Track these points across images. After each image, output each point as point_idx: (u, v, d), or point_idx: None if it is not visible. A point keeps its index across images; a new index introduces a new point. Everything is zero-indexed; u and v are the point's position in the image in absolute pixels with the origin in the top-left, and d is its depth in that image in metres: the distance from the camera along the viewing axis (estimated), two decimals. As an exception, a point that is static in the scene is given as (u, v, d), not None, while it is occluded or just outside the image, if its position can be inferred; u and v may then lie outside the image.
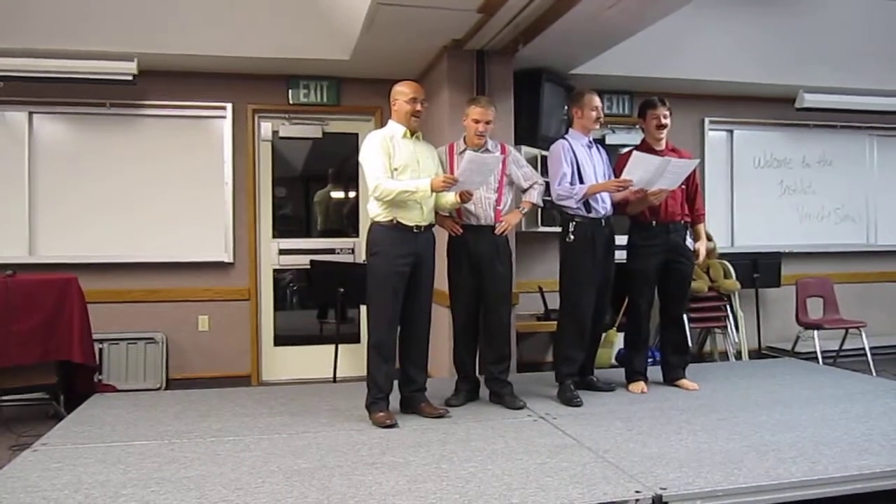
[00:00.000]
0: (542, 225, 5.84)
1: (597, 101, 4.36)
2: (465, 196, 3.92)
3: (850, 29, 6.53)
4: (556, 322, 4.54)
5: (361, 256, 5.66)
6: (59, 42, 5.13)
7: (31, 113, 5.64)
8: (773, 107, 6.97)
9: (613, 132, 6.65)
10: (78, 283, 4.69)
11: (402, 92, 3.92)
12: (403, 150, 3.88)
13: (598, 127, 4.44)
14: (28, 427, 4.44)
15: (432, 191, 3.80)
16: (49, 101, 5.62)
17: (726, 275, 6.13)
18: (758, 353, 6.53)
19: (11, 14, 5.07)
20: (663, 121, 4.42)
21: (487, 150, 4.10)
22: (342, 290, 5.26)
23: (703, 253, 4.59)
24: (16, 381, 4.51)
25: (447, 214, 4.17)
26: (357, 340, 6.15)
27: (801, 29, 6.41)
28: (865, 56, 6.63)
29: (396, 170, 3.83)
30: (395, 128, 3.94)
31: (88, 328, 4.73)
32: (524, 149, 5.49)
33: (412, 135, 3.95)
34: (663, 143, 4.48)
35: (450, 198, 3.97)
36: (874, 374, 5.78)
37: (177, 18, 5.27)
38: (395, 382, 3.99)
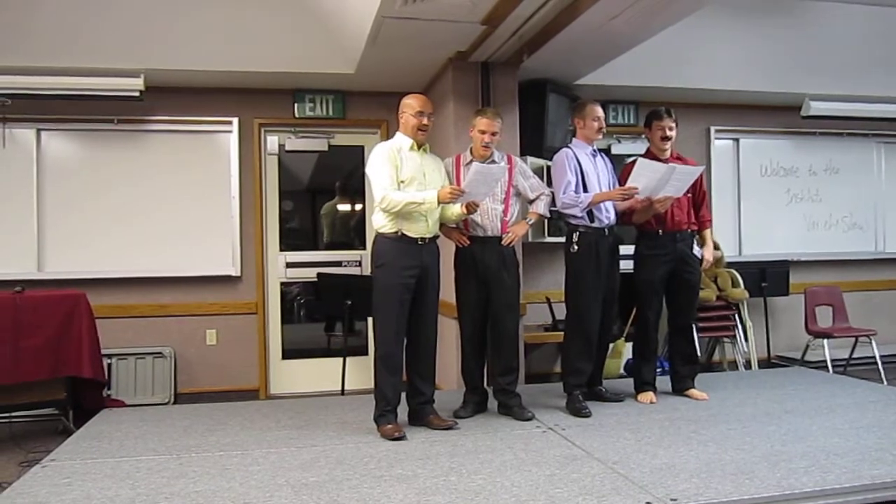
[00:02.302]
0: (550, 235, 5.84)
1: (598, 111, 4.37)
2: (471, 207, 3.92)
3: (856, 37, 6.53)
4: (563, 333, 4.52)
5: (368, 269, 5.67)
6: (66, 59, 5.16)
7: (38, 130, 5.68)
8: (779, 115, 6.97)
9: (619, 142, 6.65)
10: (86, 298, 4.71)
11: (409, 105, 3.94)
12: (410, 162, 3.89)
13: (600, 137, 4.44)
14: (37, 443, 4.45)
15: (439, 202, 3.81)
16: (57, 118, 5.65)
17: (734, 284, 6.11)
18: (767, 363, 6.50)
19: (19, 32, 5.11)
20: (668, 133, 4.42)
21: (494, 162, 4.11)
22: (349, 302, 5.27)
23: (708, 258, 4.57)
24: (25, 396, 4.52)
25: (454, 226, 4.18)
26: (364, 353, 6.14)
27: (807, 37, 6.41)
28: (871, 64, 6.63)
29: (403, 182, 3.84)
30: (402, 140, 3.96)
31: (97, 343, 4.74)
32: (530, 159, 5.50)
33: (419, 147, 3.97)
34: (668, 153, 4.48)
35: (456, 209, 3.97)
36: (885, 382, 5.75)
37: (183, 34, 5.30)
38: (403, 395, 3.99)
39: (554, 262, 6.10)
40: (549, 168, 4.98)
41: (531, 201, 4.29)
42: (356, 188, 6.34)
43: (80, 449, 3.69)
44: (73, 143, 5.77)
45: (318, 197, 6.47)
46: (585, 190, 4.25)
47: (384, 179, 3.82)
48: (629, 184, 4.16)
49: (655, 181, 4.12)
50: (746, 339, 6.14)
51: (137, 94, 5.37)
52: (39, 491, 3.03)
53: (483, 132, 4.07)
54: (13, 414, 4.66)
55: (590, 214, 4.25)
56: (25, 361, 4.40)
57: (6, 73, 5.13)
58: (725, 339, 6.33)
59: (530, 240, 5.74)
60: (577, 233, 4.28)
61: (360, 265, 6.23)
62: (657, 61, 5.91)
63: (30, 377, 4.44)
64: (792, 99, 6.62)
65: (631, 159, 4.48)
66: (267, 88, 5.94)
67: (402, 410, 3.97)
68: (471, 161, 4.06)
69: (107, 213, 5.74)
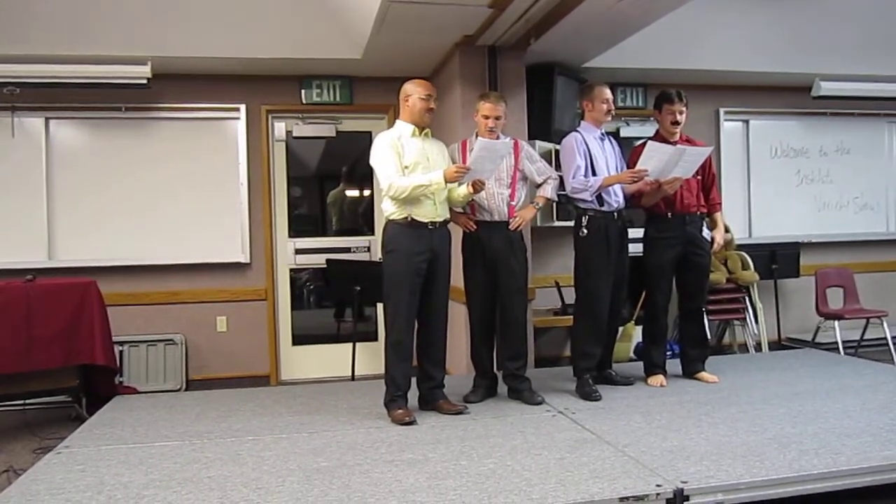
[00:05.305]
0: (558, 219, 5.83)
1: (607, 93, 4.34)
2: (478, 186, 3.90)
3: (867, 16, 6.45)
4: (573, 316, 4.52)
5: (377, 254, 5.68)
6: (74, 48, 5.16)
7: (47, 119, 5.68)
8: (789, 96, 6.90)
9: (627, 125, 6.61)
10: (97, 286, 4.73)
11: (415, 90, 3.92)
12: (413, 148, 3.89)
13: (609, 119, 4.42)
14: (51, 430, 4.48)
15: (446, 182, 3.80)
16: (65, 107, 5.66)
17: (744, 266, 6.09)
18: (778, 345, 6.49)
19: (26, 21, 5.11)
20: (678, 117, 4.39)
21: (499, 146, 4.09)
22: (359, 288, 5.28)
23: (718, 240, 4.55)
24: (38, 384, 4.55)
25: (461, 210, 4.17)
26: (374, 338, 6.15)
27: (817, 17, 6.33)
28: (882, 43, 6.55)
29: (407, 168, 3.84)
30: (403, 128, 3.95)
31: (109, 331, 4.77)
32: (538, 143, 5.47)
33: (421, 132, 3.96)
34: (677, 135, 4.45)
35: (462, 190, 3.96)
36: (896, 363, 5.73)
37: (189, 22, 5.29)
38: (414, 380, 4.00)
39: (563, 246, 6.08)
40: (557, 152, 4.96)
41: (538, 185, 4.28)
42: (364, 174, 6.33)
43: (94, 436, 3.72)
44: (82, 132, 5.78)
45: (327, 183, 6.47)
46: (594, 174, 4.24)
47: (389, 168, 3.82)
48: (639, 166, 4.14)
49: (664, 163, 4.11)
50: (757, 322, 6.13)
51: (145, 81, 5.35)
52: (54, 477, 3.06)
53: (487, 117, 4.05)
54: (27, 401, 4.70)
55: (599, 198, 4.24)
56: (38, 349, 4.43)
57: (14, 62, 5.14)
58: (736, 322, 6.31)
59: (539, 224, 5.73)
60: (587, 216, 4.26)
61: (369, 251, 6.23)
62: (665, 43, 5.86)
63: (42, 365, 4.47)
64: (802, 80, 6.56)
65: (640, 142, 4.45)
66: (274, 75, 5.92)
67: (413, 395, 3.98)
68: (477, 146, 4.05)
69: (116, 201, 5.75)
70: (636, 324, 5.80)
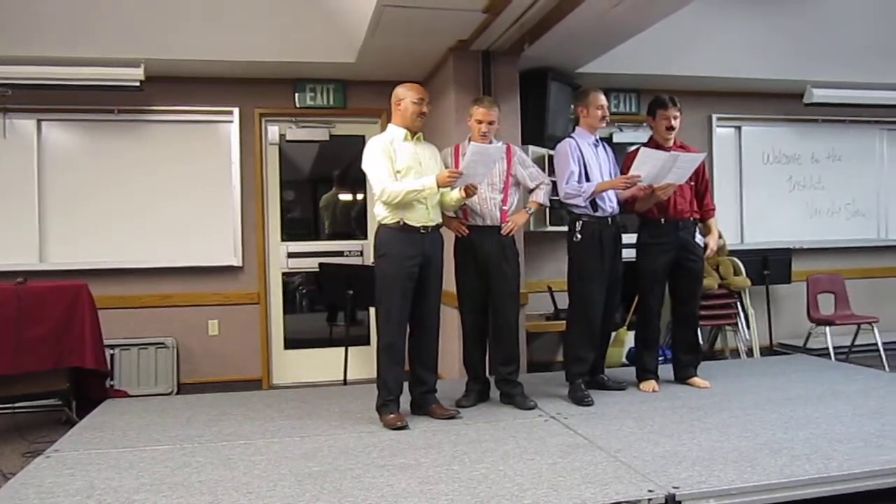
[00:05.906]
0: (551, 224, 5.83)
1: (602, 99, 4.35)
2: (470, 190, 3.89)
3: (859, 23, 6.48)
4: (565, 321, 4.52)
5: (370, 258, 5.67)
6: (66, 49, 5.15)
7: (39, 120, 5.66)
8: (782, 102, 6.93)
9: (621, 130, 6.62)
10: (88, 289, 4.71)
11: (408, 94, 3.92)
12: (405, 152, 3.88)
13: (604, 125, 4.43)
14: (41, 433, 4.45)
15: (438, 186, 3.79)
16: (57, 109, 5.63)
17: (736, 272, 6.10)
18: (769, 350, 6.49)
19: (19, 22, 5.09)
20: (673, 122, 4.40)
21: (492, 149, 4.10)
22: (351, 292, 5.27)
23: (712, 246, 4.56)
24: (28, 387, 4.52)
25: (453, 215, 4.17)
26: (367, 342, 6.14)
27: (809, 24, 6.37)
28: (874, 50, 6.59)
29: (399, 172, 3.83)
30: (395, 132, 3.95)
31: (100, 334, 4.74)
32: (531, 149, 5.48)
33: (413, 136, 3.95)
34: (671, 141, 4.47)
35: (454, 194, 3.95)
36: (887, 369, 5.75)
37: (183, 24, 5.28)
38: (406, 384, 3.99)
39: (556, 251, 6.09)
40: (550, 157, 4.97)
41: (531, 190, 4.28)
42: (355, 178, 6.32)
43: (84, 439, 3.70)
44: (74, 134, 5.76)
45: (320, 187, 6.45)
46: (588, 179, 4.25)
47: (381, 173, 3.82)
48: (632, 172, 4.15)
49: (658, 169, 4.12)
50: (748, 327, 6.14)
51: (138, 83, 5.34)
52: (44, 481, 3.04)
53: (480, 121, 4.06)
54: (16, 404, 4.67)
55: (593, 203, 4.25)
56: (28, 352, 4.40)
57: (7, 64, 5.11)
58: (727, 327, 6.32)
59: (532, 229, 5.73)
60: (580, 222, 4.27)
61: (361, 255, 6.22)
62: (659, 49, 5.88)
63: (33, 368, 4.44)
64: (794, 86, 6.59)
65: (633, 147, 4.47)
66: (267, 78, 5.91)
67: (405, 400, 3.98)
68: (470, 151, 4.06)
69: (108, 204, 5.72)
70: (629, 329, 5.81)
